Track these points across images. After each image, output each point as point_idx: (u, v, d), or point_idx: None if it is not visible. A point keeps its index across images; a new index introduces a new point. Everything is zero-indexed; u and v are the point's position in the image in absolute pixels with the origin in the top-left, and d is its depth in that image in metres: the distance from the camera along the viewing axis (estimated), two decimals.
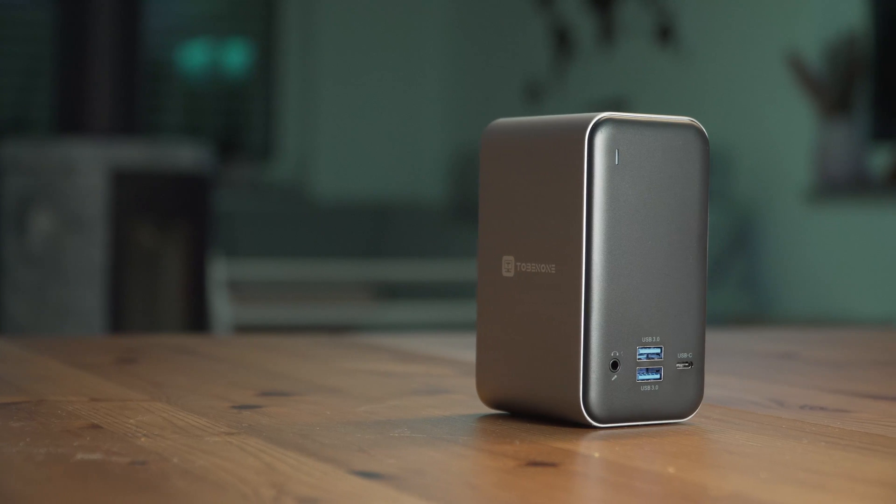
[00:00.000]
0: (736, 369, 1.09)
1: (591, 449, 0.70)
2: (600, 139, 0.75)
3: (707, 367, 1.10)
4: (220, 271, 3.77)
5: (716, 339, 1.33)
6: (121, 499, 0.58)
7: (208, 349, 1.16)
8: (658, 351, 0.77)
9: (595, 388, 0.75)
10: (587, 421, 0.75)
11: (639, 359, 0.76)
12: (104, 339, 1.23)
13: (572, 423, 0.76)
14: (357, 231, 5.55)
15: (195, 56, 6.06)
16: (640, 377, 0.77)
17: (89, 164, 3.49)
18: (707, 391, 0.94)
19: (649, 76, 5.01)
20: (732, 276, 4.49)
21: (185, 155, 3.65)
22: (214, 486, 0.61)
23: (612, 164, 0.75)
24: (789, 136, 4.48)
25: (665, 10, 4.92)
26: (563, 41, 5.37)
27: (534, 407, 0.79)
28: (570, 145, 0.76)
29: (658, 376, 0.77)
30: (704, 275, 0.79)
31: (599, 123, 0.75)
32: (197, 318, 3.59)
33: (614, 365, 0.76)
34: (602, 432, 0.75)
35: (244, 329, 4.04)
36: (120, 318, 3.51)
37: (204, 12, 6.12)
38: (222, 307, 3.71)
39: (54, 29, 3.99)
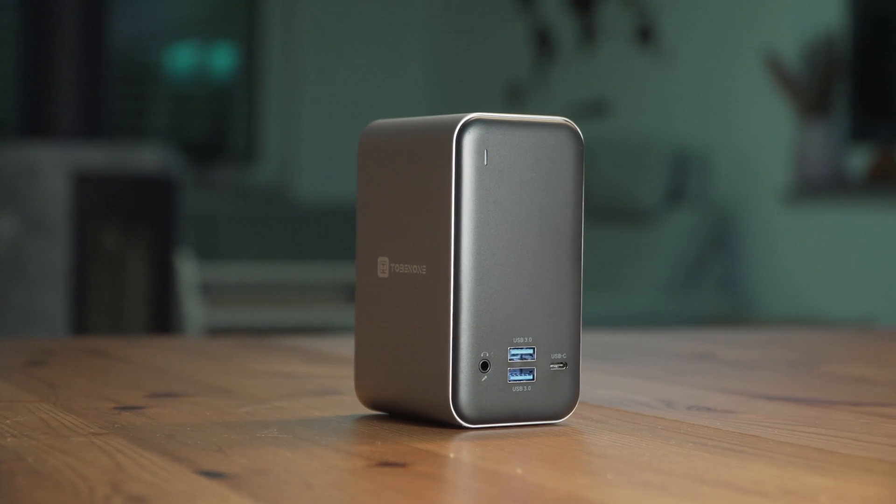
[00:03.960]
0: (640, 370, 1.09)
1: (452, 450, 0.70)
2: (468, 140, 0.75)
3: (612, 367, 1.09)
4: (191, 273, 3.77)
5: (637, 340, 1.33)
6: None
7: (121, 351, 1.16)
8: (531, 351, 0.77)
9: (465, 389, 0.75)
10: (457, 421, 0.75)
11: (511, 359, 0.76)
12: (22, 342, 1.23)
13: (444, 423, 0.76)
14: (339, 233, 5.56)
15: (182, 59, 6.06)
16: (512, 378, 0.76)
17: (52, 168, 3.49)
18: (600, 392, 0.94)
19: (630, 77, 5.01)
20: (711, 277, 4.49)
21: (150, 157, 3.65)
22: (54, 484, 0.61)
23: (481, 165, 0.75)
24: (768, 136, 4.48)
25: (645, 11, 4.92)
26: (544, 43, 5.37)
27: (408, 408, 0.79)
28: (439, 146, 0.75)
29: (531, 377, 0.77)
30: (579, 275, 0.78)
31: (468, 124, 0.75)
32: (161, 321, 3.59)
33: (484, 365, 0.75)
34: (472, 433, 0.75)
35: (217, 332, 4.05)
36: (84, 321, 3.51)
37: (190, 15, 6.12)
38: (194, 310, 3.71)
39: (19, 32, 3.99)
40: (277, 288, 4.66)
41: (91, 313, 3.54)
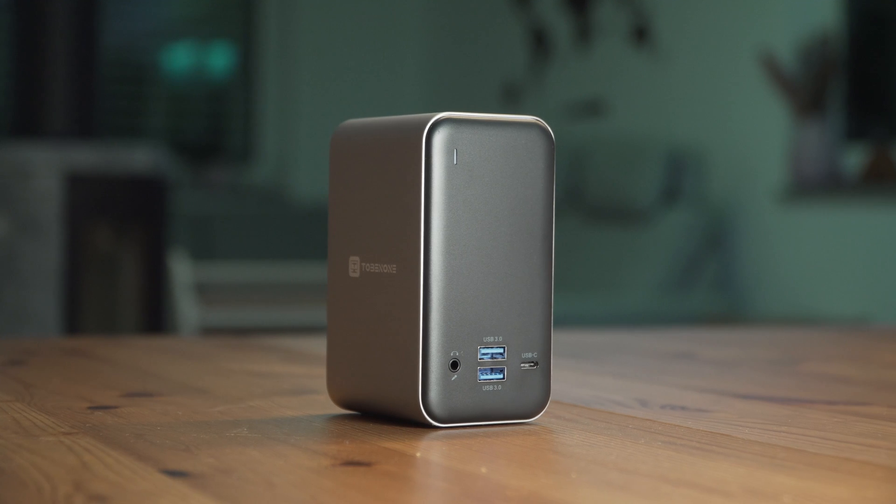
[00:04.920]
0: (619, 369, 1.09)
1: (420, 449, 0.70)
2: (438, 139, 0.75)
3: (591, 367, 1.09)
4: (185, 273, 3.77)
5: (620, 340, 1.33)
6: None
7: (102, 351, 1.16)
8: (501, 351, 0.77)
9: (435, 388, 0.75)
10: (427, 421, 0.75)
11: (481, 358, 0.76)
12: (3, 342, 1.23)
13: (414, 423, 0.76)
14: None
15: (179, 59, 6.06)
16: (483, 377, 0.76)
17: (45, 168, 3.49)
18: (576, 391, 0.94)
19: (625, 77, 5.01)
20: (706, 276, 4.49)
21: (142, 158, 3.65)
22: (18, 482, 0.61)
23: (451, 164, 0.75)
24: (763, 135, 4.49)
25: (640, 10, 4.92)
26: (540, 42, 5.37)
27: (379, 407, 0.79)
28: (409, 146, 0.76)
29: (501, 376, 0.77)
30: (550, 274, 0.79)
31: (437, 123, 0.75)
32: (154, 321, 3.59)
33: (454, 365, 0.75)
34: (441, 433, 0.75)
35: (212, 332, 4.04)
36: (76, 321, 3.51)
37: (187, 15, 6.12)
38: (188, 310, 3.71)
39: (11, 33, 4.00)
40: (273, 288, 4.67)
41: (83, 313, 3.54)
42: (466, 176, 0.76)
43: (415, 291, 0.75)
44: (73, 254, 3.48)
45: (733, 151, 4.57)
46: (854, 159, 4.37)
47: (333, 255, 0.81)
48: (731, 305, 4.48)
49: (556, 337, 1.33)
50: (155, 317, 3.64)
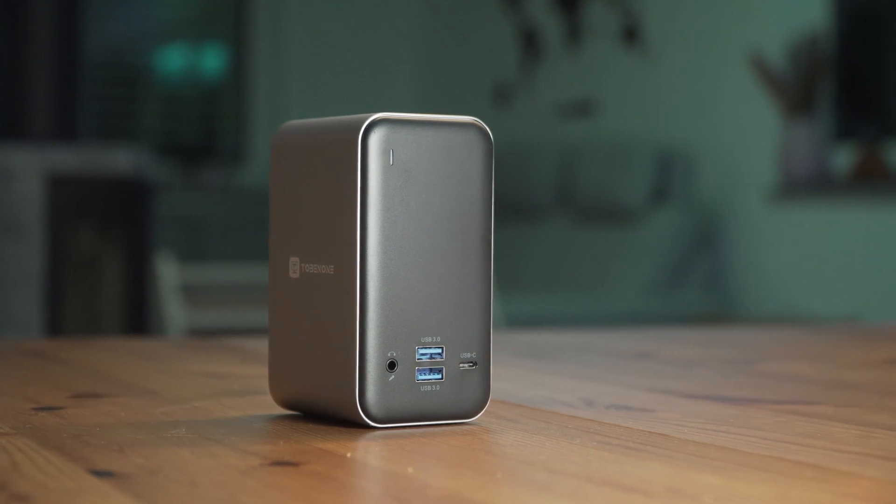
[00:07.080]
0: (573, 369, 1.09)
1: (353, 449, 0.70)
2: (374, 140, 0.75)
3: (544, 366, 1.10)
4: (171, 275, 3.78)
5: (581, 340, 1.33)
6: None
7: (60, 353, 1.16)
8: (439, 351, 0.77)
9: (372, 389, 0.75)
10: (364, 421, 0.76)
11: (419, 359, 0.77)
12: None
13: (352, 423, 0.77)
14: None
15: (172, 61, 6.07)
16: (421, 377, 0.77)
17: (27, 170, 3.49)
18: (524, 390, 0.94)
19: (615, 77, 5.02)
20: (696, 276, 4.49)
21: (124, 160, 3.66)
22: None
23: (387, 165, 0.75)
24: (753, 135, 4.49)
25: (630, 11, 4.92)
26: (530, 43, 5.38)
27: (318, 408, 0.79)
28: (346, 146, 0.76)
29: (439, 376, 0.77)
30: (489, 275, 0.79)
31: (374, 124, 0.75)
32: (137, 323, 3.60)
33: (391, 365, 0.76)
34: (378, 433, 0.75)
35: (200, 334, 4.04)
36: (58, 323, 3.52)
37: (180, 17, 6.12)
38: (175, 312, 3.72)
39: None
40: (262, 289, 4.66)
41: (66, 316, 3.55)
42: (403, 176, 0.76)
43: (351, 292, 0.75)
44: (55, 256, 3.49)
45: (723, 151, 4.57)
46: (843, 159, 4.37)
47: (274, 255, 0.81)
48: (720, 305, 4.48)
49: (521, 338, 1.33)
50: (139, 319, 3.64)
